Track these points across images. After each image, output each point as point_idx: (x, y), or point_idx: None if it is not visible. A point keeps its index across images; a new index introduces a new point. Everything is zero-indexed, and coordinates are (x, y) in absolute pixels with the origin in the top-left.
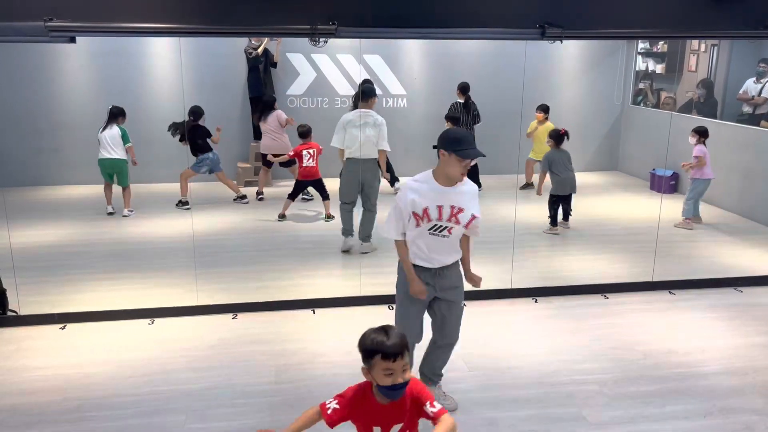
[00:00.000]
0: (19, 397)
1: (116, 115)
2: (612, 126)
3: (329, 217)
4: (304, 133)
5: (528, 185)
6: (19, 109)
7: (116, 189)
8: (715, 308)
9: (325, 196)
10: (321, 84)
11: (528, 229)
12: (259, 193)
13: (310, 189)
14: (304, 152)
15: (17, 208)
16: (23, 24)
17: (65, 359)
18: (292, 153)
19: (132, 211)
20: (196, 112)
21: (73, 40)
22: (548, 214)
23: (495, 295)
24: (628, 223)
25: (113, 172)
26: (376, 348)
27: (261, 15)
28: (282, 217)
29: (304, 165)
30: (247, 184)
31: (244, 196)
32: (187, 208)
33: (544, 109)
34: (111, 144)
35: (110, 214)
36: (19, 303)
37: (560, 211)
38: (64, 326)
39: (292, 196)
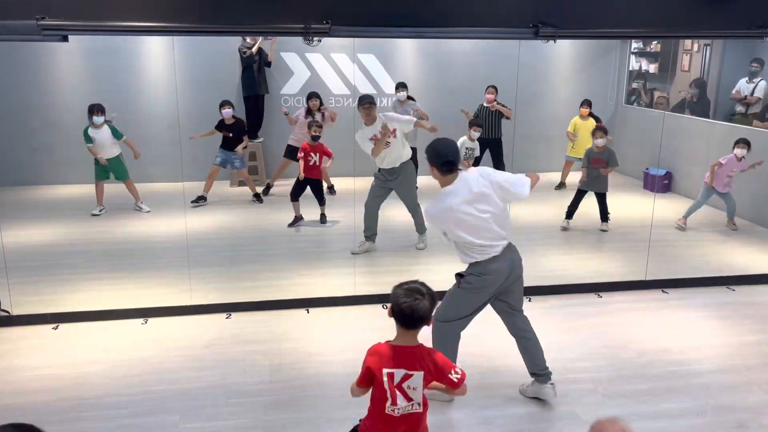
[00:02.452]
0: (12, 397)
1: (92, 111)
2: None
3: (323, 218)
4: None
5: (563, 185)
6: (12, 108)
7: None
8: (708, 307)
9: (321, 200)
10: (315, 83)
11: (523, 228)
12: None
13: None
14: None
15: (10, 207)
16: (15, 22)
17: (58, 359)
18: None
19: (144, 206)
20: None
21: (65, 38)
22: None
23: None
24: (621, 222)
25: (110, 170)
26: (395, 308)
27: (255, 14)
28: (300, 219)
29: (310, 164)
30: (241, 183)
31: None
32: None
33: (589, 104)
34: (107, 143)
35: (95, 215)
36: (11, 303)
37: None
38: (57, 326)
39: (295, 197)
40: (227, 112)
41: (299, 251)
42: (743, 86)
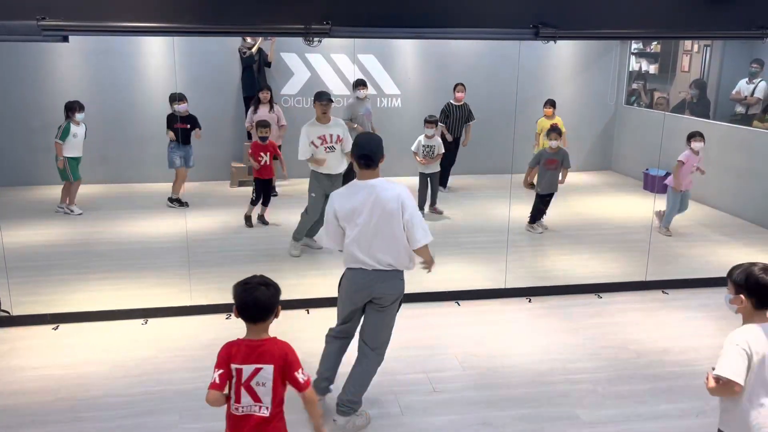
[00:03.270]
0: (11, 397)
1: (74, 108)
2: (605, 126)
3: (261, 218)
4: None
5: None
6: (12, 109)
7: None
8: (708, 307)
9: (266, 201)
10: (315, 84)
11: (522, 228)
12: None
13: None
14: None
15: (10, 207)
16: (16, 23)
17: (58, 359)
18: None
19: (76, 209)
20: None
21: (65, 39)
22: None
23: (489, 294)
24: (622, 222)
25: (72, 169)
26: (237, 305)
27: (255, 14)
28: (248, 219)
29: (261, 163)
30: (241, 183)
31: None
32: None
33: (553, 104)
34: (81, 142)
35: (75, 213)
36: (11, 303)
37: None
38: (57, 326)
39: (256, 201)
40: (183, 107)
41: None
42: (743, 87)
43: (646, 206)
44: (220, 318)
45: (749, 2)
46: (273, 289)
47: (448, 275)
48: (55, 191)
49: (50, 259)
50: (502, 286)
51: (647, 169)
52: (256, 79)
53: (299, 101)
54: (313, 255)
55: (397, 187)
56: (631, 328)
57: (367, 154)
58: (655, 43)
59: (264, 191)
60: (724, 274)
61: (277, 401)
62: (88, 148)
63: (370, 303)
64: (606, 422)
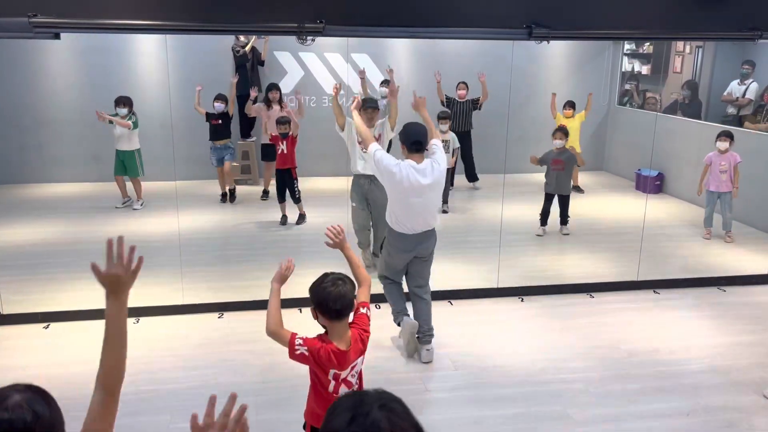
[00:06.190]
0: None
1: (116, 103)
2: (598, 126)
3: (301, 216)
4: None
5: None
6: (3, 106)
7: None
8: (699, 307)
9: (293, 194)
10: (308, 82)
11: (514, 228)
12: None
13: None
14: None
15: (0, 205)
16: (7, 20)
17: (49, 358)
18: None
19: (142, 205)
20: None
21: (57, 36)
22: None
23: (481, 294)
24: (614, 222)
25: (124, 164)
26: (322, 303)
27: (248, 13)
28: (285, 218)
29: (278, 152)
30: (236, 182)
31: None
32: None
33: (573, 105)
34: (122, 136)
35: (120, 206)
36: (1, 302)
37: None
38: (48, 325)
39: (280, 196)
40: (219, 105)
41: (292, 250)
42: (734, 88)
43: (638, 206)
44: (211, 317)
45: (741, 4)
46: (351, 283)
47: (440, 275)
48: (46, 189)
49: (41, 258)
50: (495, 286)
51: (639, 170)
52: (249, 78)
53: (292, 100)
54: (307, 254)
55: (428, 161)
56: (623, 327)
57: (419, 141)
58: (648, 44)
59: (289, 185)
60: (715, 274)
61: (361, 378)
62: (76, 146)
63: (415, 257)
64: (598, 421)
